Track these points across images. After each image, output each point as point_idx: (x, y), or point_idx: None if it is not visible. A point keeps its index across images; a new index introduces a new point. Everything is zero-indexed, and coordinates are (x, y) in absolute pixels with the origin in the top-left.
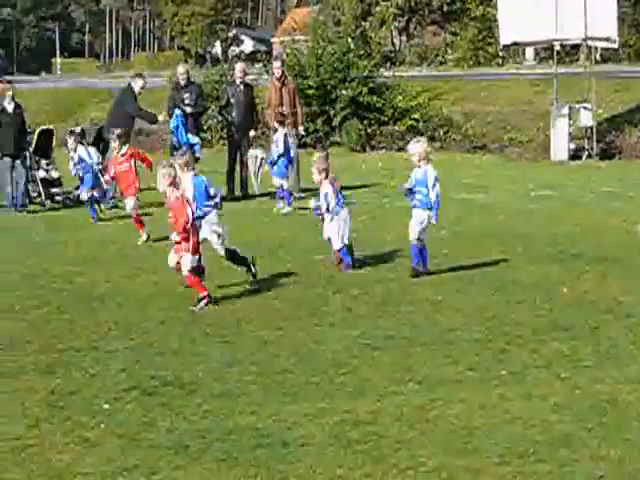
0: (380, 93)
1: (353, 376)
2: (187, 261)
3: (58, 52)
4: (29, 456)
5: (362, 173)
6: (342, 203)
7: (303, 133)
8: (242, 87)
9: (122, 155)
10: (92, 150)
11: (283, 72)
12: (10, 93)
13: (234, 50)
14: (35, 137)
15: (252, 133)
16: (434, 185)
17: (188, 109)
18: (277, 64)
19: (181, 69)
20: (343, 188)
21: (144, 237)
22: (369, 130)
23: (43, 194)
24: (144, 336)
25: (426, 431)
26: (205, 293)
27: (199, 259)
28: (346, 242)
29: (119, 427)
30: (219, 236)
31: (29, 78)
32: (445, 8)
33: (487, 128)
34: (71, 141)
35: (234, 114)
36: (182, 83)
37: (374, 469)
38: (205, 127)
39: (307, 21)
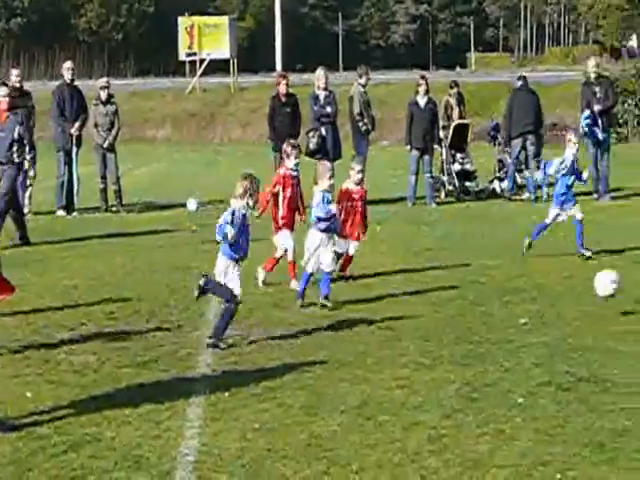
0: None
1: None
2: None
3: (472, 47)
4: (445, 446)
5: None
6: None
7: None
8: None
9: None
10: None
11: None
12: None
13: None
14: (451, 131)
15: None
16: None
17: (596, 107)
18: None
19: (591, 62)
20: None
21: None
22: None
23: (457, 187)
24: (558, 331)
25: None
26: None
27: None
28: None
29: (534, 421)
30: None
31: (446, 73)
32: None
33: None
34: None
35: None
36: (592, 77)
37: None
38: (621, 121)
39: None
